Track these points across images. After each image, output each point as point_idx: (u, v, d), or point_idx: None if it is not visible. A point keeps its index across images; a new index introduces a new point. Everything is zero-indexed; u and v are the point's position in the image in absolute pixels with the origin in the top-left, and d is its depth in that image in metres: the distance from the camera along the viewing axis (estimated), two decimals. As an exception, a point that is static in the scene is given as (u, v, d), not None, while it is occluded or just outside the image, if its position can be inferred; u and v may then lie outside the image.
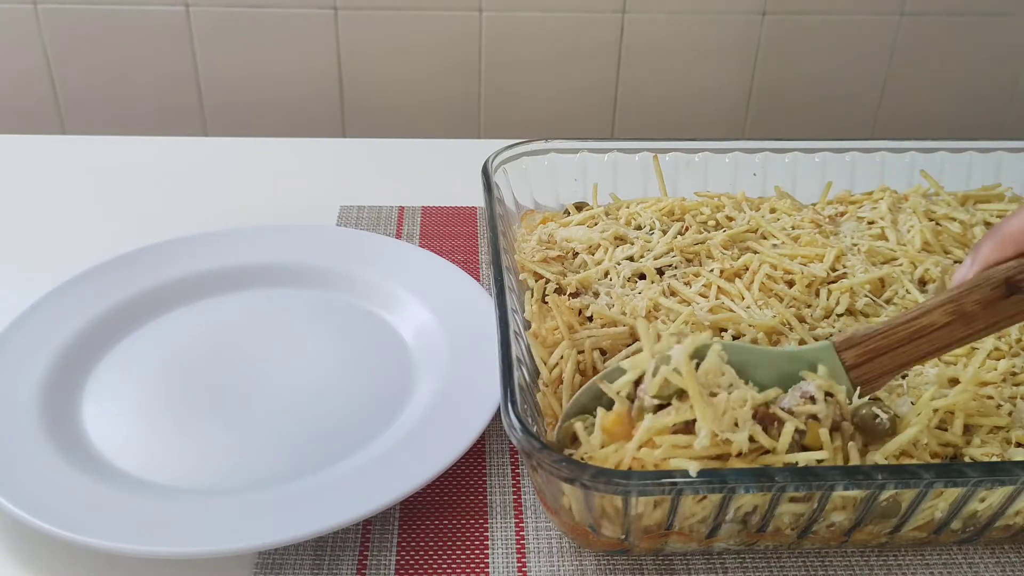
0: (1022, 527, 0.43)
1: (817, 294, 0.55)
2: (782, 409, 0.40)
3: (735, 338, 0.51)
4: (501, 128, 1.03)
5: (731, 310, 0.53)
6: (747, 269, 0.56)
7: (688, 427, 0.39)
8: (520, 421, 0.39)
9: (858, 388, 0.42)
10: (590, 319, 0.53)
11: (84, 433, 0.50)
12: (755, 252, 0.58)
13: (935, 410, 0.46)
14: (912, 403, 0.47)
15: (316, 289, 0.63)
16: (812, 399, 0.40)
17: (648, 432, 0.38)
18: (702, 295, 0.54)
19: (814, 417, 0.40)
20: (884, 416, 0.43)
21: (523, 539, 0.46)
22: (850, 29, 0.99)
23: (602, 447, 0.40)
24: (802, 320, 0.52)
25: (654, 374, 0.39)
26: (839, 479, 0.37)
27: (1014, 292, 0.41)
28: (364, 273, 0.63)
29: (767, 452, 0.39)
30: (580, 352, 0.50)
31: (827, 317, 0.53)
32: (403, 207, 0.75)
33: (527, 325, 0.52)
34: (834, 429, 0.40)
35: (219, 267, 0.63)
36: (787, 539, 0.42)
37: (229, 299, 0.62)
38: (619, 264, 0.57)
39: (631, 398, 0.41)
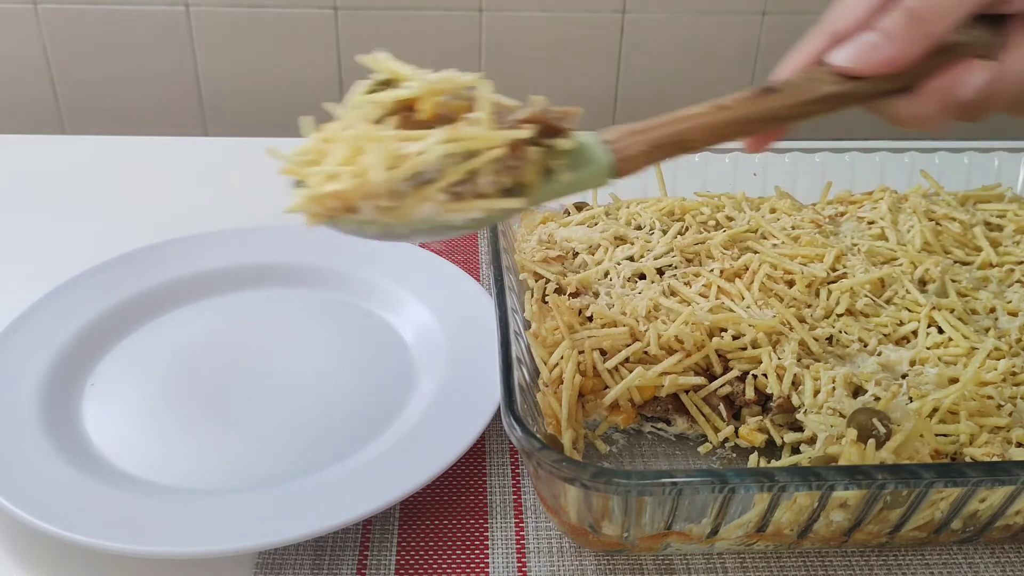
0: (1022, 527, 0.43)
1: (817, 294, 0.55)
2: None
3: (735, 338, 0.51)
4: (501, 128, 1.03)
5: (731, 310, 0.53)
6: (747, 269, 0.56)
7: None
8: (520, 421, 0.39)
9: (617, 156, 0.40)
10: (590, 319, 0.53)
11: (84, 433, 0.50)
12: (755, 252, 0.58)
13: (935, 409, 0.46)
14: (910, 400, 0.47)
15: (316, 289, 0.63)
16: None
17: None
18: (702, 295, 0.54)
19: (521, 120, 0.37)
20: (881, 428, 0.43)
21: (523, 539, 0.46)
22: (850, 29, 0.99)
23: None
24: (802, 320, 0.52)
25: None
26: (839, 479, 0.37)
27: (770, 93, 0.40)
28: (364, 273, 0.63)
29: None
30: (580, 352, 0.50)
31: (827, 317, 0.53)
32: (403, 207, 0.75)
33: (527, 325, 0.52)
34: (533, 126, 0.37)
35: (219, 267, 0.63)
36: (787, 539, 0.42)
37: (229, 299, 0.62)
38: (619, 264, 0.57)
39: None
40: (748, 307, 0.53)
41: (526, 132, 0.36)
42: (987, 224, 0.63)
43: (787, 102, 0.40)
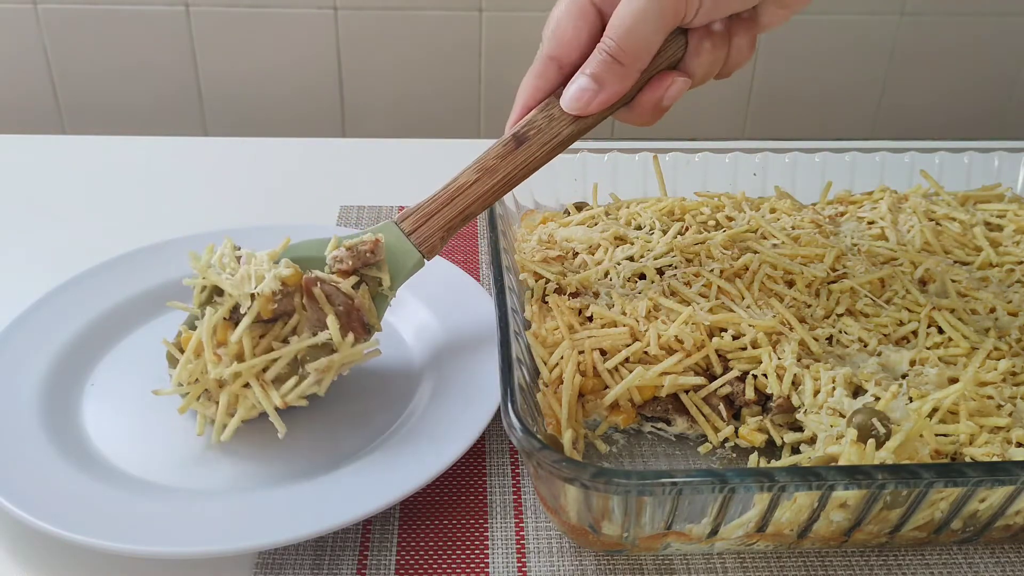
0: (1022, 527, 0.43)
1: (817, 294, 0.55)
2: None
3: (735, 338, 0.51)
4: (501, 128, 1.03)
5: (731, 310, 0.53)
6: (747, 269, 0.56)
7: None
8: (520, 421, 0.39)
9: (421, 249, 0.50)
10: (590, 319, 0.53)
11: (84, 433, 0.50)
12: (755, 252, 0.58)
13: (935, 409, 0.46)
14: (910, 400, 0.47)
15: (316, 289, 0.63)
16: (341, 259, 0.48)
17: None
18: (702, 295, 0.54)
19: (344, 272, 0.49)
20: (881, 428, 0.43)
21: (523, 539, 0.46)
22: (850, 29, 0.99)
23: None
24: (802, 320, 0.52)
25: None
26: (839, 479, 0.37)
27: (522, 143, 0.49)
28: (364, 273, 0.63)
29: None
30: (580, 352, 0.50)
31: (827, 317, 0.53)
32: (403, 207, 0.75)
33: (527, 325, 0.52)
34: (354, 273, 0.49)
35: (219, 267, 0.63)
36: (787, 539, 0.42)
37: (229, 299, 0.62)
38: (619, 264, 0.57)
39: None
40: (748, 307, 0.53)
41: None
42: (987, 224, 0.63)
43: (537, 151, 0.49)
